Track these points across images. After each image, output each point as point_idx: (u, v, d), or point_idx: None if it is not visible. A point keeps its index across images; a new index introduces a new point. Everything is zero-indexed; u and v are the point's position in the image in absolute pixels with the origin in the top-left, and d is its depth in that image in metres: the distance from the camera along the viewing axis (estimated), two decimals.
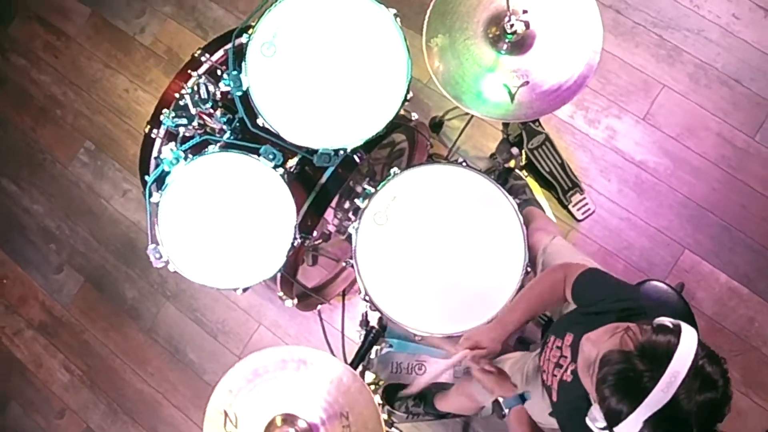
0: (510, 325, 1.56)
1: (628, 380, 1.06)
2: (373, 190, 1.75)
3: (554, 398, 1.45)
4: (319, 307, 2.32)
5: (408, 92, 1.69)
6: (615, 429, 1.08)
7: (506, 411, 1.55)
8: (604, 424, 1.13)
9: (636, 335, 1.10)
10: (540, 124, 2.38)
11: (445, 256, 1.72)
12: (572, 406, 1.32)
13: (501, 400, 1.56)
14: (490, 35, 1.70)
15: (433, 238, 1.73)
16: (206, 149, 1.72)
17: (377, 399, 2.26)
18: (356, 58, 1.70)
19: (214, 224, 1.71)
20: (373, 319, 1.98)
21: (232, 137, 1.76)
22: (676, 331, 1.09)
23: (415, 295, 1.71)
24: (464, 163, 1.78)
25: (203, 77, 1.71)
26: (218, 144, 1.74)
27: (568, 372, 1.39)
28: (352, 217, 1.91)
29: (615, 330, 1.15)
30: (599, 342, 1.16)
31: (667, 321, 1.14)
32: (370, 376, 2.25)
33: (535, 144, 2.38)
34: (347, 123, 1.69)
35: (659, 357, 1.05)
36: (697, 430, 1.04)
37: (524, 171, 2.42)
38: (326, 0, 1.70)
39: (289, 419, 1.53)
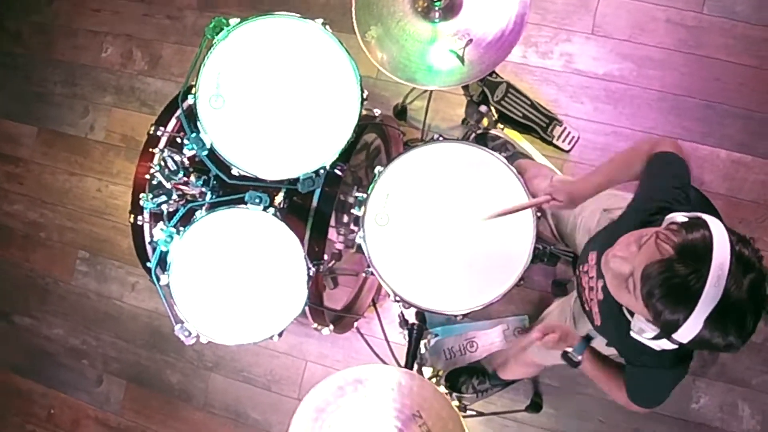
0: (588, 188, 1.51)
1: (676, 287, 1.04)
2: (364, 195, 1.75)
3: (597, 322, 1.44)
4: (355, 324, 2.31)
5: (362, 92, 1.69)
6: (675, 336, 1.07)
7: (578, 359, 1.54)
8: (653, 333, 1.11)
9: (669, 239, 1.07)
10: (497, 75, 2.38)
11: (455, 234, 1.72)
12: (614, 324, 1.32)
13: (569, 351, 1.55)
14: (419, 9, 1.70)
15: (438, 220, 1.73)
16: (194, 217, 1.72)
17: (442, 389, 2.27)
18: (302, 77, 1.70)
19: (228, 283, 1.71)
20: (411, 316, 1.98)
21: (213, 196, 1.76)
22: (705, 224, 1.07)
23: (440, 279, 1.71)
24: (440, 138, 1.78)
25: (166, 150, 1.71)
26: (204, 207, 1.74)
27: (599, 291, 1.39)
28: (355, 228, 1.91)
29: (642, 238, 1.12)
30: (630, 256, 1.12)
31: (689, 215, 1.12)
32: (428, 371, 2.24)
33: (500, 95, 2.38)
34: (316, 142, 1.69)
35: (700, 255, 1.03)
36: (750, 315, 1.03)
37: (499, 125, 2.41)
38: (255, 33, 1.70)
39: None
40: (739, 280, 1.02)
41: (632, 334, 1.17)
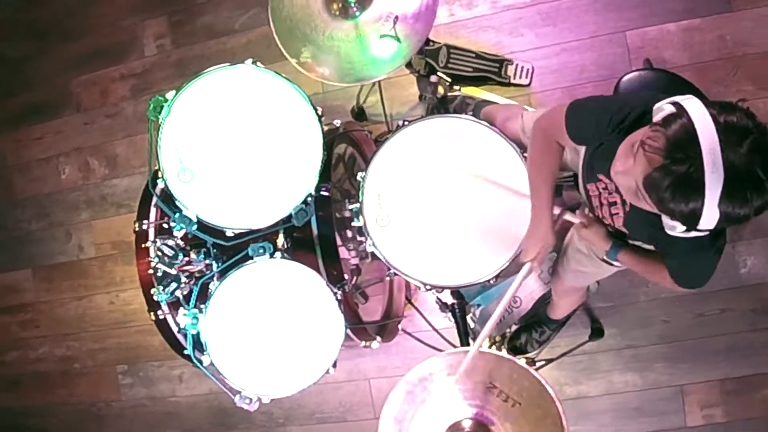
0: (543, 208, 1.54)
1: (680, 186, 1.05)
2: (357, 204, 1.75)
3: (629, 233, 1.45)
4: (399, 327, 2.31)
5: (316, 110, 1.69)
6: (699, 227, 1.08)
7: (615, 262, 1.56)
8: (683, 227, 1.12)
9: (653, 144, 1.08)
10: (433, 41, 2.38)
11: (457, 206, 1.73)
12: (647, 227, 1.33)
13: (606, 257, 1.57)
14: (337, 12, 1.70)
15: (436, 199, 1.73)
16: (209, 290, 1.72)
17: (504, 354, 2.27)
18: (255, 120, 1.70)
19: (265, 337, 1.71)
20: (448, 297, 1.98)
21: (219, 264, 1.76)
22: (681, 111, 1.07)
23: (459, 254, 1.72)
24: (406, 123, 1.78)
25: (158, 240, 1.71)
26: (215, 278, 1.74)
27: (625, 206, 1.40)
28: (362, 239, 1.91)
29: (631, 150, 1.13)
30: (628, 171, 1.14)
31: (663, 105, 1.13)
32: (485, 342, 2.24)
33: (444, 59, 2.38)
34: (292, 174, 1.69)
35: (688, 146, 1.04)
36: (764, 172, 1.03)
37: (455, 87, 2.41)
38: (195, 97, 1.70)
39: (455, 430, 1.53)
40: (737, 150, 1.02)
41: (667, 230, 1.18)
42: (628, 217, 1.41)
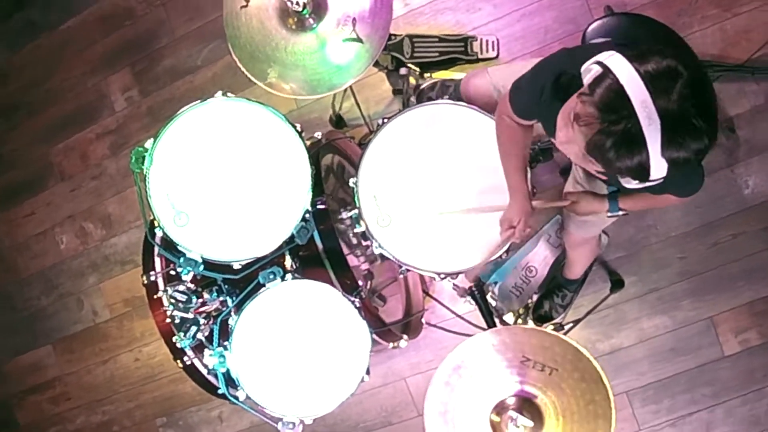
0: (518, 187, 1.58)
1: (621, 144, 1.07)
2: (356, 210, 1.75)
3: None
4: (423, 320, 2.31)
5: (295, 127, 1.69)
6: (651, 178, 1.10)
7: (620, 212, 1.57)
8: (636, 182, 1.14)
9: (585, 112, 1.09)
10: (394, 35, 2.38)
11: (454, 192, 1.73)
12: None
13: (609, 215, 1.58)
14: (294, 27, 1.70)
15: (432, 189, 1.73)
16: (230, 326, 1.72)
17: (532, 324, 2.27)
18: (238, 150, 1.70)
19: (295, 360, 1.71)
20: (463, 282, 1.98)
21: (234, 298, 1.76)
22: (605, 70, 1.08)
23: (465, 236, 1.73)
24: (385, 120, 1.78)
25: (168, 288, 1.71)
26: (232, 312, 1.74)
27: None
28: (367, 243, 1.91)
29: (569, 119, 1.15)
30: (570, 140, 1.17)
31: (589, 66, 1.13)
32: (510, 317, 2.25)
33: (409, 50, 2.38)
34: (284, 195, 1.69)
35: (619, 105, 1.05)
36: (698, 111, 1.04)
37: (426, 75, 2.41)
38: (174, 140, 1.70)
39: (500, 410, 1.53)
40: (668, 97, 1.03)
41: (624, 184, 1.19)
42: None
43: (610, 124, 1.06)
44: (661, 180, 1.12)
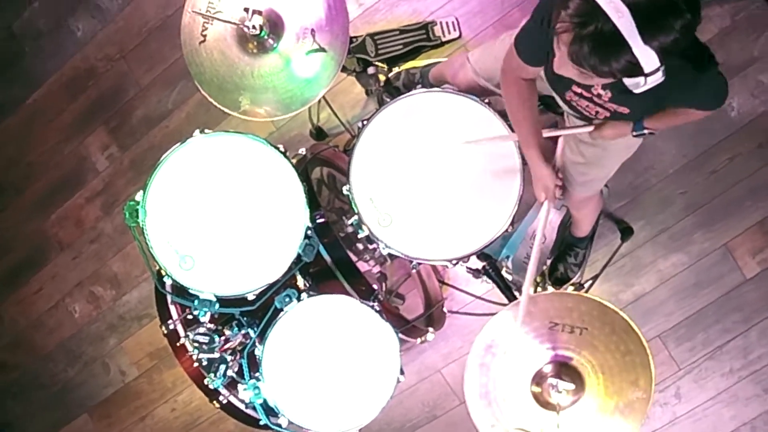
0: (532, 143, 1.58)
1: (598, 45, 1.08)
2: (355, 216, 1.75)
3: (630, 111, 1.46)
4: (445, 309, 2.32)
5: (278, 148, 1.70)
6: (646, 73, 1.12)
7: (645, 131, 1.54)
8: (639, 78, 1.14)
9: (561, 26, 1.11)
10: (354, 38, 2.38)
11: (450, 179, 1.74)
12: (635, 101, 1.33)
13: (635, 133, 1.56)
14: (256, 50, 1.70)
15: (428, 180, 1.73)
16: (257, 357, 1.72)
17: (551, 289, 2.27)
18: (228, 182, 1.70)
19: (328, 376, 1.71)
20: (476, 263, 1.98)
21: (255, 329, 1.76)
22: None
23: (467, 218, 1.73)
24: (364, 122, 1.77)
25: (189, 334, 1.71)
26: (257, 343, 1.74)
27: (603, 94, 1.41)
28: (373, 246, 1.92)
29: (556, 43, 1.17)
30: (561, 60, 1.17)
31: None
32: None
33: (372, 49, 2.37)
34: (282, 217, 1.68)
35: (586, 9, 1.07)
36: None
37: (394, 69, 2.41)
38: (162, 187, 1.70)
39: (540, 380, 1.54)
40: None
41: (634, 90, 1.19)
42: (616, 102, 1.42)
43: (580, 27, 1.08)
44: (663, 79, 1.14)
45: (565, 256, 2.27)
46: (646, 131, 1.55)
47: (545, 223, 1.61)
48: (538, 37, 1.38)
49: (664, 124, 1.54)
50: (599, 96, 1.43)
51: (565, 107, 1.64)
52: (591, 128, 1.59)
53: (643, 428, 2.39)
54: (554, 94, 1.60)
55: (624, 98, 1.40)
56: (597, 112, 1.50)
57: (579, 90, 1.46)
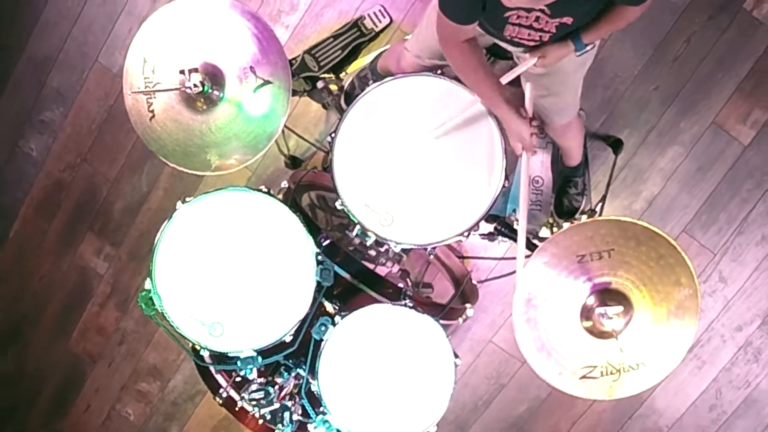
0: (502, 109, 1.60)
1: None
2: (357, 227, 1.76)
3: (573, 18, 1.46)
4: (474, 281, 2.32)
5: (262, 190, 1.70)
6: None
7: (588, 47, 1.56)
8: None
9: None
10: (293, 59, 2.38)
11: (435, 159, 1.74)
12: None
13: (578, 55, 1.58)
14: (206, 107, 1.71)
15: (415, 169, 1.74)
16: (316, 392, 1.72)
17: (565, 226, 2.27)
18: (227, 239, 1.70)
19: (388, 385, 1.71)
20: (487, 227, 1.99)
21: (303, 367, 1.76)
22: None
23: (464, 190, 1.74)
24: (332, 135, 1.77)
25: (243, 395, 1.70)
26: (309, 379, 1.75)
27: (545, 11, 1.42)
28: (384, 247, 1.92)
29: None
30: None
31: None
32: (545, 231, 2.25)
33: (314, 64, 2.37)
34: (289, 253, 1.69)
35: None
36: None
37: (342, 75, 2.41)
38: (167, 267, 1.70)
39: (588, 314, 1.54)
40: None
41: None
42: (554, 9, 1.42)
43: None
44: None
45: (566, 189, 2.27)
46: (588, 47, 1.55)
47: (527, 174, 1.62)
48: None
49: (602, 32, 1.54)
50: (538, 19, 1.44)
51: (509, 47, 1.64)
52: (535, 59, 1.59)
53: (702, 322, 2.41)
54: (495, 39, 1.60)
55: (564, 7, 1.40)
56: (540, 37, 1.50)
57: (517, 21, 1.46)
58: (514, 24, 1.47)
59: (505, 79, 1.63)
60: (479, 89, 1.62)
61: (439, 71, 1.75)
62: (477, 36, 1.60)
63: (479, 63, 1.59)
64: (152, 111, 1.73)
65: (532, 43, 1.54)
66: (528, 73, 1.68)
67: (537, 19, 1.44)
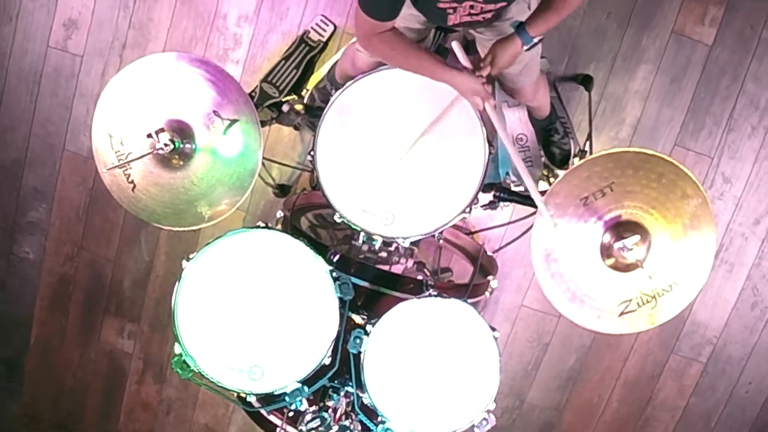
0: (445, 73, 1.58)
1: None
2: (361, 235, 1.77)
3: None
4: (489, 253, 2.32)
5: (260, 226, 1.71)
6: None
7: (535, 40, 1.55)
8: None
9: None
10: (252, 92, 2.38)
11: (422, 149, 1.74)
12: None
13: (526, 47, 1.57)
14: (181, 162, 1.71)
15: (405, 163, 1.74)
16: (369, 404, 1.72)
17: (561, 174, 2.27)
18: (241, 285, 1.70)
19: (434, 375, 1.71)
20: (486, 198, 1.99)
21: (351, 383, 1.76)
22: None
23: (456, 167, 1.74)
24: (311, 153, 1.77)
25: (302, 428, 1.68)
26: (359, 393, 1.74)
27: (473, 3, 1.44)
28: (393, 245, 1.92)
29: None
30: None
31: None
32: (544, 185, 2.25)
33: (273, 90, 2.37)
34: (304, 278, 1.69)
35: None
36: None
37: (303, 92, 2.41)
38: (191, 326, 1.70)
39: (608, 252, 1.55)
40: None
41: None
42: None
43: None
44: None
45: (550, 138, 2.27)
46: (535, 39, 1.55)
47: (501, 123, 1.61)
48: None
49: (549, 23, 1.54)
50: (473, 7, 1.45)
51: (450, 24, 1.65)
52: (488, 67, 1.58)
53: (719, 227, 2.41)
54: (434, 22, 1.61)
55: None
56: (483, 17, 1.52)
57: (453, 12, 1.47)
58: (452, 15, 1.48)
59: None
60: (418, 69, 1.61)
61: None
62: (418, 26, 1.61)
63: (409, 47, 1.59)
64: (132, 181, 1.73)
65: (477, 21, 1.55)
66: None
67: (471, 6, 1.45)
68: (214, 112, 1.67)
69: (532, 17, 1.54)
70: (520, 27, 1.55)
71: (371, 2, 1.46)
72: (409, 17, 1.67)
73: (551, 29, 1.57)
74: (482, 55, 1.66)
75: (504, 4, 1.45)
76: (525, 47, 1.55)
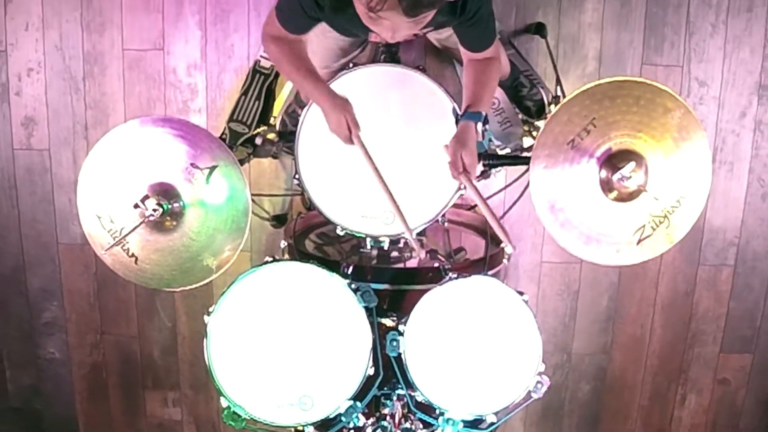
0: (322, 90, 1.63)
1: None
2: (368, 241, 1.78)
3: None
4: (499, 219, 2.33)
5: (269, 262, 1.71)
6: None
7: (483, 113, 1.62)
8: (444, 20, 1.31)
9: (380, 4, 1.21)
10: (222, 135, 2.38)
11: (406, 147, 1.76)
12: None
13: (485, 139, 1.71)
14: (175, 222, 1.71)
15: (391, 157, 1.74)
16: (424, 402, 1.72)
17: (542, 125, 2.27)
18: (265, 318, 1.70)
19: (478, 358, 1.71)
20: (476, 169, 1.99)
21: (400, 386, 1.74)
22: None
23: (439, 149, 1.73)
24: (297, 176, 1.78)
25: None
26: (412, 394, 1.74)
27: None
28: (402, 242, 1.92)
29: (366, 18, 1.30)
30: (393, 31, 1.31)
31: None
32: (528, 140, 2.25)
33: (242, 128, 2.36)
34: (326, 300, 1.69)
35: None
36: None
37: (271, 119, 2.41)
38: (231, 374, 1.70)
39: (609, 186, 1.54)
40: None
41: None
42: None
43: None
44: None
45: (519, 93, 2.26)
46: (483, 112, 1.60)
47: (478, 197, 1.59)
48: (301, 19, 1.49)
49: (489, 93, 1.63)
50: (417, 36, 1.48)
51: (372, 45, 1.73)
52: (472, 174, 1.60)
53: (708, 131, 2.41)
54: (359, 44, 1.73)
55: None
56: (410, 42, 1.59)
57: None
58: (373, 34, 1.51)
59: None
60: (301, 85, 1.68)
61: (350, 65, 1.76)
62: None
63: (298, 60, 1.63)
64: (133, 255, 1.73)
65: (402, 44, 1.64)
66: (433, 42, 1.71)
67: (416, 35, 1.48)
68: (192, 164, 1.67)
69: (467, 98, 1.60)
70: (465, 115, 1.59)
71: (288, 15, 1.52)
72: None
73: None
74: (435, 44, 1.69)
75: (431, 28, 1.49)
76: (480, 125, 1.59)
